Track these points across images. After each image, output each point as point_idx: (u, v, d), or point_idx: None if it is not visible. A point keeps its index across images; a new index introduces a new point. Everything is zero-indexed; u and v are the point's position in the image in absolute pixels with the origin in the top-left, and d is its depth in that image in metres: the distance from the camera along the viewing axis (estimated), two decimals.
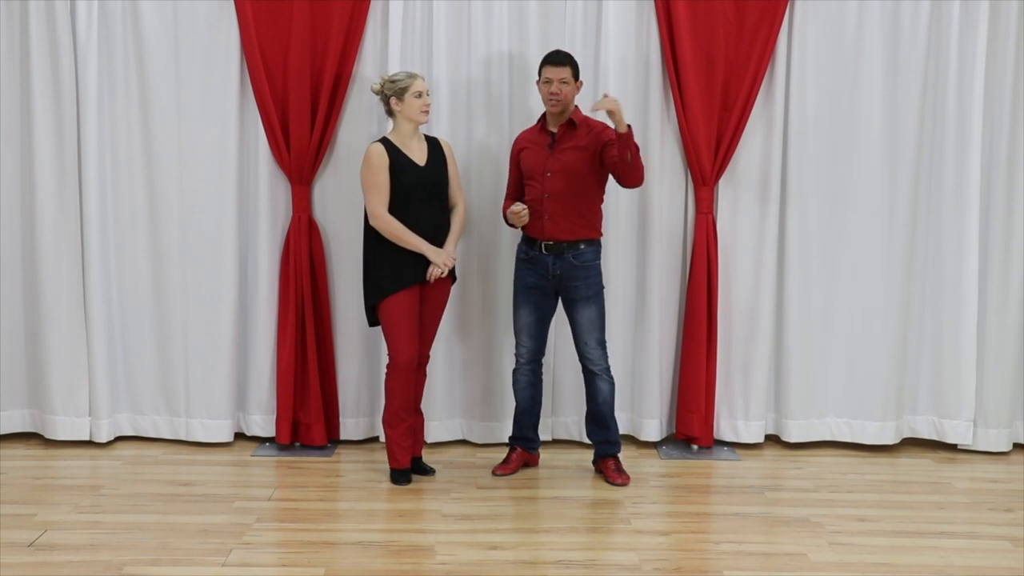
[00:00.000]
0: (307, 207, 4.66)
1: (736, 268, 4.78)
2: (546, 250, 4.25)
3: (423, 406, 4.48)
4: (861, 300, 4.78)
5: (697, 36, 4.59)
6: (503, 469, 4.45)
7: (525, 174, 4.30)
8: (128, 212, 4.71)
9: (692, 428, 4.71)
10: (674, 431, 4.89)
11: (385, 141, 4.20)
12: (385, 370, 4.28)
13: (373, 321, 4.28)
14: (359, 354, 4.79)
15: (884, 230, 4.74)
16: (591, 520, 3.94)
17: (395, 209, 4.14)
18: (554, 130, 4.25)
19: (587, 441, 4.73)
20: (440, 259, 4.15)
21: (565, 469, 4.55)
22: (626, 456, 4.52)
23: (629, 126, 3.98)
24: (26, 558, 3.50)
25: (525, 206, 4.19)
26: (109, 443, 4.78)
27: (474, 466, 4.56)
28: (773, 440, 4.95)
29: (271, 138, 4.62)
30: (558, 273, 4.25)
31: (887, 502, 4.18)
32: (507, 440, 4.58)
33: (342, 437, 4.81)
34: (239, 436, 4.86)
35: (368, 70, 4.65)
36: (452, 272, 4.30)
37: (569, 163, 4.17)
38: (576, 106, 4.28)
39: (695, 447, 4.76)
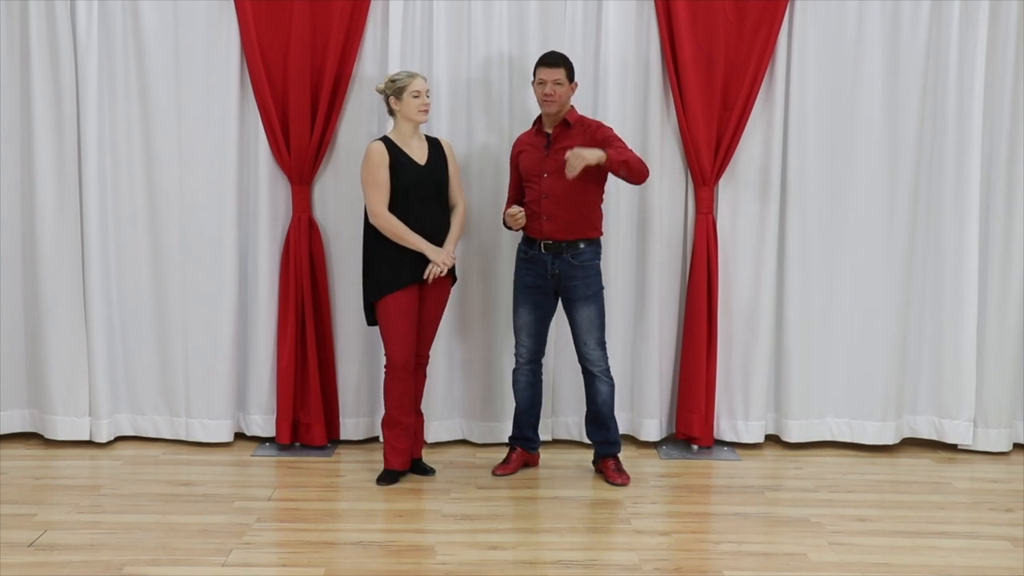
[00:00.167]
0: (307, 207, 4.66)
1: (736, 268, 4.78)
2: (545, 249, 4.25)
3: (423, 406, 4.48)
4: (861, 300, 4.78)
5: (697, 36, 4.59)
6: (503, 469, 4.45)
7: (523, 176, 4.31)
8: (128, 212, 4.71)
9: (692, 428, 4.71)
10: (674, 431, 4.89)
11: (386, 140, 4.20)
12: (383, 371, 4.28)
13: (371, 320, 4.28)
14: (359, 354, 4.79)
15: (884, 230, 4.74)
16: (591, 520, 3.94)
17: (395, 208, 4.14)
18: (549, 131, 4.25)
19: (587, 441, 4.73)
20: (439, 258, 4.15)
21: (565, 469, 4.55)
22: (626, 456, 4.52)
23: (606, 153, 3.99)
24: (26, 558, 3.50)
25: (521, 209, 4.21)
26: (109, 443, 4.78)
27: (474, 466, 4.56)
28: (773, 440, 4.95)
29: (271, 138, 4.62)
30: (557, 272, 4.25)
31: (887, 502, 4.18)
32: (507, 440, 4.58)
33: (342, 437, 4.81)
34: (239, 436, 4.86)
35: (368, 70, 4.65)
36: (452, 272, 4.30)
37: (565, 163, 4.17)
38: (572, 106, 4.28)
39: (695, 447, 4.76)
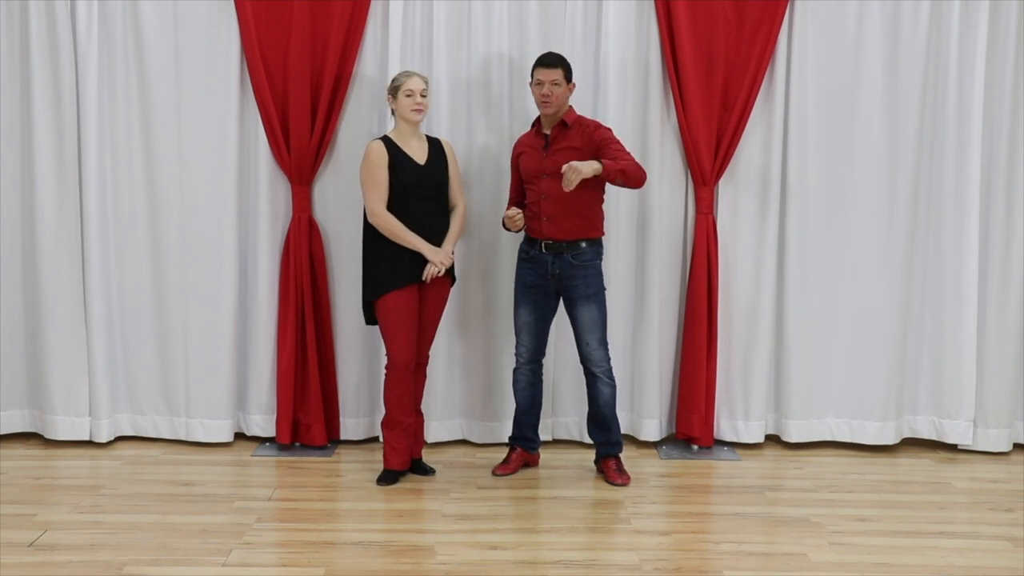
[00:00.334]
0: (307, 207, 4.66)
1: (736, 268, 4.78)
2: (546, 250, 4.25)
3: (423, 406, 4.48)
4: (861, 300, 4.78)
5: (697, 36, 4.59)
6: (503, 469, 4.45)
7: (524, 177, 4.31)
8: (128, 212, 4.71)
9: (692, 428, 4.71)
10: (674, 431, 4.89)
11: (385, 139, 4.21)
12: (384, 371, 4.28)
13: (370, 319, 4.28)
14: (359, 354, 4.79)
15: (884, 230, 4.74)
16: (591, 520, 3.94)
17: (394, 207, 4.14)
18: (548, 132, 4.25)
19: (587, 441, 4.73)
20: (437, 258, 4.15)
21: (565, 469, 4.55)
22: (626, 456, 4.52)
23: (601, 163, 3.99)
24: (26, 558, 3.50)
25: (519, 211, 4.21)
26: (109, 443, 4.78)
27: (474, 466, 4.56)
28: (773, 440, 4.95)
29: (271, 138, 4.62)
30: (557, 272, 4.25)
31: (887, 502, 4.18)
32: (507, 440, 4.58)
33: (342, 437, 4.82)
34: (239, 436, 4.86)
35: (368, 70, 4.65)
36: (451, 272, 4.30)
37: (563, 164, 4.16)
38: (570, 107, 4.28)
39: (695, 447, 4.76)
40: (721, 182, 4.74)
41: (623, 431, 4.69)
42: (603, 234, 4.34)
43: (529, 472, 4.50)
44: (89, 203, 4.61)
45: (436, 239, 4.20)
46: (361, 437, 4.84)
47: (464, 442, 4.88)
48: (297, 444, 4.73)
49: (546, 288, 4.31)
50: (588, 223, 4.25)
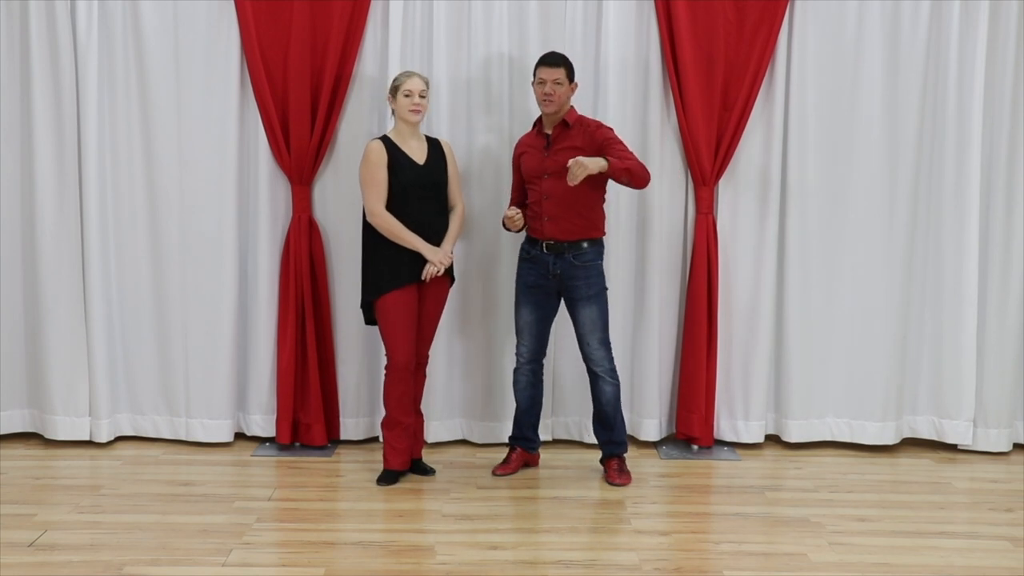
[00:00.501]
0: (307, 207, 4.66)
1: (736, 268, 4.78)
2: (547, 250, 4.25)
3: (423, 406, 4.48)
4: (861, 300, 4.78)
5: (697, 36, 4.59)
6: (503, 469, 4.45)
7: (525, 178, 4.31)
8: (128, 212, 4.71)
9: (692, 428, 4.71)
10: (674, 431, 4.89)
11: (385, 139, 4.21)
12: (384, 371, 4.28)
13: (369, 319, 4.28)
14: (359, 354, 4.79)
15: (884, 230, 4.74)
16: (591, 520, 3.94)
17: (393, 207, 4.14)
18: (549, 132, 4.25)
19: (587, 441, 4.74)
20: (436, 257, 4.15)
21: (565, 469, 4.55)
22: (626, 456, 4.52)
23: (607, 161, 4.00)
24: (26, 558, 3.50)
25: (518, 211, 4.21)
26: (109, 443, 4.78)
27: (474, 466, 4.56)
28: (773, 440, 4.95)
29: (271, 138, 4.62)
30: (558, 272, 4.25)
31: (887, 502, 4.18)
32: (507, 440, 4.58)
33: (342, 437, 4.82)
34: (239, 436, 4.86)
35: (368, 70, 4.65)
36: (450, 272, 4.30)
37: (565, 164, 4.17)
38: (571, 107, 4.28)
39: (695, 447, 4.76)
40: (721, 182, 4.74)
41: None
42: (604, 234, 4.34)
43: (529, 472, 4.50)
44: (89, 203, 4.61)
45: (435, 239, 4.20)
46: (361, 437, 4.84)
47: (464, 442, 4.88)
48: (297, 444, 4.73)
49: (547, 288, 4.30)
50: (589, 223, 4.25)
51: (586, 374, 4.41)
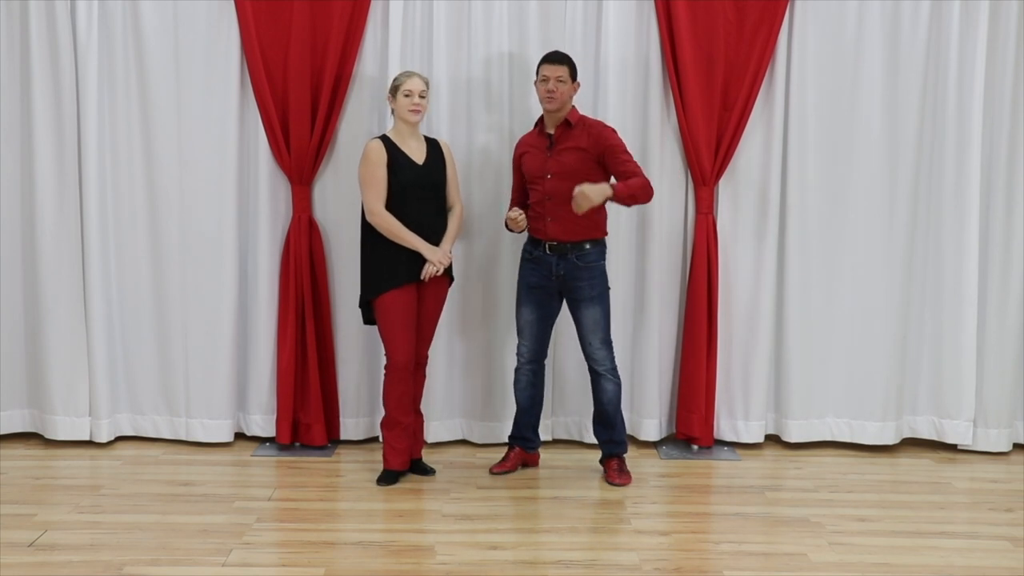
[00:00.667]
0: (307, 207, 4.66)
1: (736, 268, 4.78)
2: (550, 250, 4.25)
3: (423, 406, 4.48)
4: (861, 300, 4.78)
5: (697, 36, 4.59)
6: (500, 467, 4.45)
7: (527, 178, 4.30)
8: (128, 212, 4.71)
9: (692, 428, 4.71)
10: (674, 431, 4.89)
11: (384, 138, 4.21)
12: (383, 371, 4.28)
13: (368, 319, 4.28)
14: (359, 354, 4.79)
15: (884, 230, 4.74)
16: (591, 520, 3.94)
17: (392, 206, 4.14)
18: (551, 132, 4.25)
19: (587, 441, 4.74)
20: (435, 257, 4.15)
21: (565, 469, 4.55)
22: (626, 456, 4.52)
23: (612, 186, 4.00)
24: (26, 558, 3.50)
25: (521, 212, 4.20)
26: (109, 443, 4.78)
27: (474, 466, 4.56)
28: (773, 440, 4.95)
29: (271, 138, 4.62)
30: (561, 273, 4.24)
31: (887, 502, 4.18)
32: (506, 439, 4.58)
33: (342, 437, 4.82)
34: (239, 436, 4.86)
35: (368, 70, 4.65)
36: (449, 272, 4.30)
37: (568, 164, 4.17)
38: (573, 107, 4.27)
39: (695, 447, 4.76)
40: (721, 182, 4.74)
41: None
42: (606, 234, 4.34)
43: (529, 472, 4.50)
44: (89, 203, 4.61)
45: (434, 239, 4.20)
46: (361, 437, 4.84)
47: (464, 442, 4.88)
48: (297, 444, 4.74)
49: (549, 289, 4.30)
50: (592, 223, 4.24)
51: (586, 374, 4.42)
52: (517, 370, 4.42)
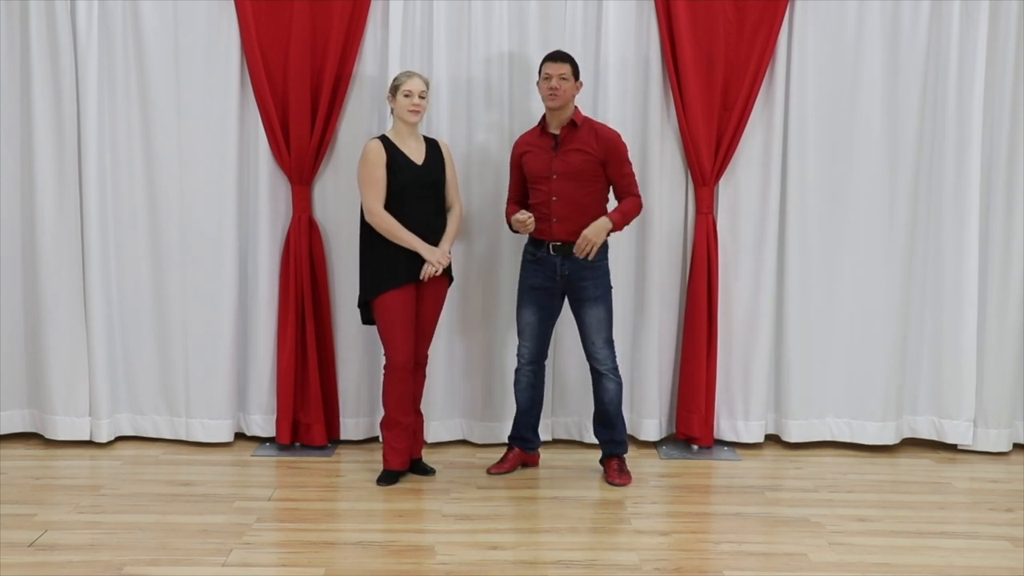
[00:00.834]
0: (307, 207, 4.66)
1: (736, 268, 4.78)
2: (554, 251, 4.24)
3: (423, 406, 4.48)
4: (861, 300, 4.78)
5: (697, 36, 4.59)
6: (498, 468, 4.45)
7: (529, 178, 4.28)
8: (128, 212, 4.71)
9: (692, 428, 4.71)
10: (674, 431, 4.89)
11: (383, 138, 4.21)
12: (383, 371, 4.28)
13: (367, 319, 4.28)
14: (359, 354, 4.79)
15: (884, 230, 4.74)
16: (591, 520, 3.94)
17: (391, 207, 4.14)
18: (555, 132, 4.24)
19: (587, 441, 4.74)
20: (434, 257, 4.15)
21: (565, 469, 4.55)
22: (626, 456, 4.52)
23: (611, 220, 4.15)
24: (26, 558, 3.50)
25: (530, 215, 4.17)
26: (109, 443, 4.78)
27: (474, 466, 4.56)
28: (773, 440, 4.95)
29: (271, 138, 4.62)
30: (566, 274, 4.24)
31: (887, 502, 4.18)
32: (506, 440, 4.58)
33: (342, 437, 4.81)
34: (239, 436, 4.86)
35: (368, 70, 4.65)
36: (449, 272, 4.30)
37: (575, 165, 4.17)
38: (576, 107, 4.27)
39: (695, 447, 4.76)
40: (721, 182, 4.74)
41: None
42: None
43: (529, 472, 4.50)
44: (89, 203, 4.61)
45: (433, 239, 4.20)
46: (361, 437, 4.84)
47: (464, 442, 4.88)
48: (297, 444, 4.73)
49: (553, 290, 4.30)
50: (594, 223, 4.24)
51: (587, 374, 4.42)
52: (517, 371, 4.42)
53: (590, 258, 4.12)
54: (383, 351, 4.27)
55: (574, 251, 4.12)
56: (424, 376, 4.42)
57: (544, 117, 4.30)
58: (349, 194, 4.57)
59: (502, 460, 4.49)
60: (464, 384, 4.83)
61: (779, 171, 4.73)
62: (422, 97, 4.16)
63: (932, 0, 4.62)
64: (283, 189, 4.70)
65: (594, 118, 4.44)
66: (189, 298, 4.72)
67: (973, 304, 4.75)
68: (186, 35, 4.60)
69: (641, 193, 4.42)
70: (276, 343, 4.71)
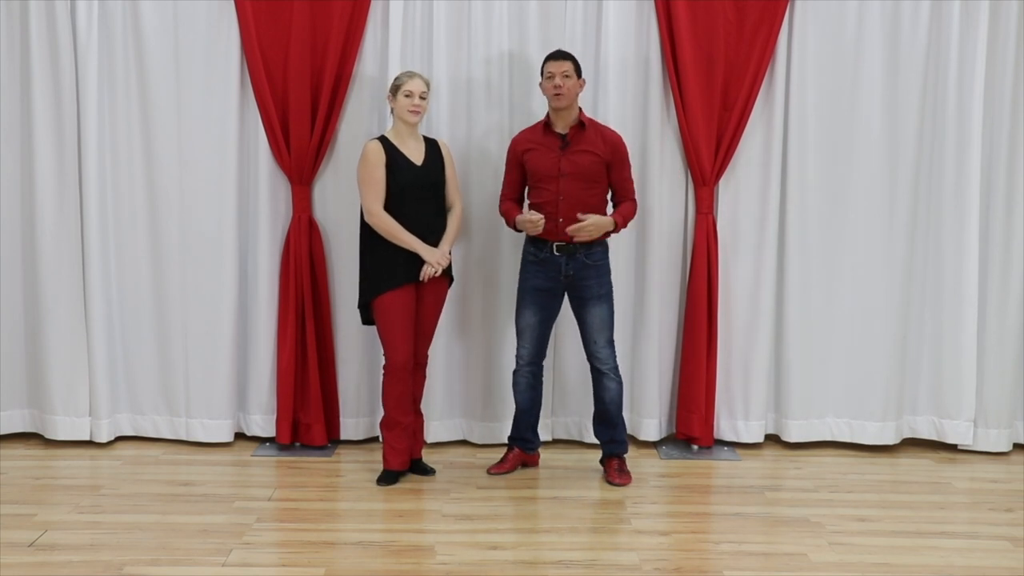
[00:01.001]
0: (307, 207, 4.66)
1: (736, 268, 4.78)
2: (559, 251, 4.23)
3: (423, 406, 4.48)
4: (861, 300, 4.78)
5: (697, 36, 4.59)
6: (498, 468, 4.45)
7: (534, 176, 4.26)
8: (128, 212, 4.71)
9: (692, 428, 4.71)
10: (674, 431, 4.89)
11: (383, 139, 4.21)
12: (383, 371, 4.28)
13: (367, 319, 4.28)
14: (359, 354, 4.79)
15: (884, 230, 4.74)
16: (591, 520, 3.94)
17: (390, 207, 4.14)
18: (562, 131, 4.24)
19: (587, 441, 4.74)
20: (433, 258, 4.15)
21: (565, 469, 4.55)
22: (626, 456, 4.52)
23: (614, 221, 4.18)
24: (26, 558, 3.50)
25: (542, 216, 4.14)
26: (109, 443, 4.78)
27: (474, 466, 4.56)
28: (773, 440, 4.95)
29: (271, 138, 4.62)
30: (571, 274, 4.24)
31: (887, 502, 4.18)
32: (506, 440, 4.58)
33: (342, 437, 4.81)
34: (239, 436, 4.86)
35: (368, 70, 4.65)
36: (449, 273, 4.30)
37: (583, 165, 4.17)
38: (580, 107, 4.27)
39: (695, 447, 4.76)
40: (721, 182, 4.74)
41: None
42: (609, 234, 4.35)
43: (529, 472, 4.50)
44: (89, 203, 4.61)
45: (433, 239, 4.20)
46: (361, 437, 4.84)
47: (464, 442, 4.88)
48: (297, 444, 4.73)
49: (555, 291, 4.29)
50: None
51: (587, 374, 4.42)
52: (516, 372, 4.41)
53: (574, 234, 4.10)
54: (383, 351, 4.26)
55: (568, 230, 4.10)
56: (424, 376, 4.42)
57: (547, 116, 4.29)
58: (349, 194, 4.57)
59: (502, 460, 4.49)
60: (464, 384, 4.83)
61: (779, 171, 4.73)
62: (423, 98, 4.16)
63: (932, 0, 4.62)
64: (283, 189, 4.70)
65: (594, 118, 4.43)
66: (189, 298, 4.72)
67: (973, 304, 4.75)
68: (186, 35, 4.60)
69: (640, 193, 4.41)
70: (276, 343, 4.71)
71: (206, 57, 4.61)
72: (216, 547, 3.61)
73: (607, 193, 4.29)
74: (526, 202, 4.40)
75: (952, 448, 4.89)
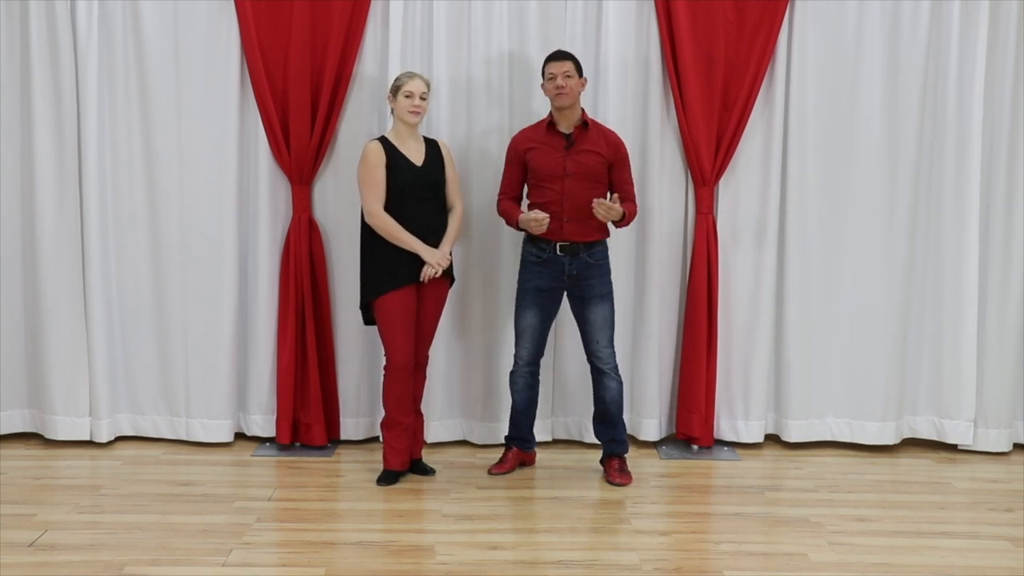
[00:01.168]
0: (307, 207, 4.66)
1: (736, 268, 4.78)
2: (561, 251, 4.23)
3: (423, 406, 4.48)
4: (861, 300, 4.78)
5: (697, 36, 4.59)
6: (498, 468, 4.45)
7: (537, 175, 4.25)
8: (128, 212, 4.71)
9: (692, 428, 4.71)
10: (674, 431, 4.89)
11: (383, 139, 4.21)
12: (383, 371, 4.28)
13: (368, 319, 4.28)
14: (359, 354, 4.79)
15: (884, 230, 4.74)
16: (591, 520, 3.94)
17: (391, 208, 4.14)
18: (565, 131, 4.23)
19: (587, 441, 4.74)
20: (434, 259, 4.15)
21: (565, 469, 4.55)
22: (626, 456, 4.52)
23: (624, 213, 4.18)
24: (26, 558, 3.50)
25: (546, 215, 4.13)
26: (109, 443, 4.78)
27: (474, 466, 4.56)
28: (773, 440, 4.95)
29: (271, 138, 4.62)
30: (574, 273, 4.24)
31: (887, 502, 4.18)
32: (503, 440, 4.58)
33: (342, 437, 4.82)
34: (239, 436, 4.86)
35: (368, 70, 4.65)
36: (449, 273, 4.30)
37: (588, 166, 4.17)
38: (583, 108, 4.27)
39: (695, 447, 4.76)
40: (721, 182, 4.74)
41: None
42: (609, 235, 4.35)
43: (529, 472, 4.50)
44: (89, 203, 4.61)
45: (434, 240, 4.20)
46: (361, 437, 4.84)
47: (464, 442, 4.88)
48: (297, 444, 4.74)
49: (557, 291, 4.29)
50: (601, 223, 4.24)
51: (587, 374, 4.42)
52: (513, 372, 4.41)
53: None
54: (383, 351, 4.26)
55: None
56: (424, 376, 4.42)
57: (550, 116, 4.28)
58: (349, 194, 4.57)
59: (502, 460, 4.49)
60: (464, 384, 4.83)
61: (779, 171, 4.73)
62: (423, 98, 4.16)
63: (932, 0, 4.62)
64: (283, 189, 4.70)
65: (595, 118, 4.43)
66: (189, 298, 4.72)
67: (973, 304, 4.75)
68: (186, 35, 4.60)
69: (640, 193, 4.41)
70: (276, 343, 4.71)
71: (206, 57, 4.61)
72: (216, 547, 3.61)
73: (608, 188, 4.28)
74: (525, 201, 4.40)
75: (952, 448, 4.90)
